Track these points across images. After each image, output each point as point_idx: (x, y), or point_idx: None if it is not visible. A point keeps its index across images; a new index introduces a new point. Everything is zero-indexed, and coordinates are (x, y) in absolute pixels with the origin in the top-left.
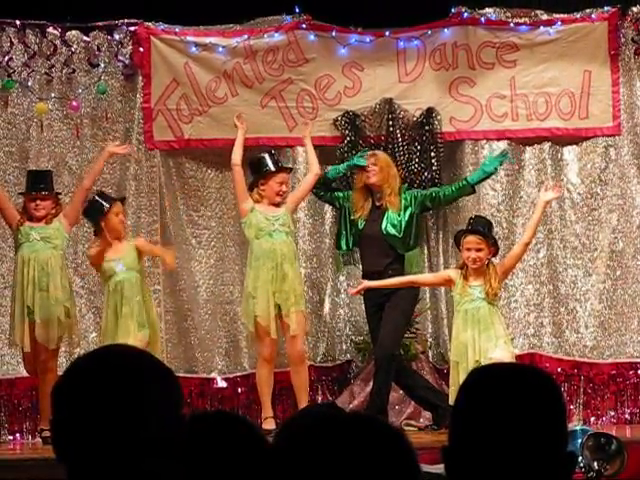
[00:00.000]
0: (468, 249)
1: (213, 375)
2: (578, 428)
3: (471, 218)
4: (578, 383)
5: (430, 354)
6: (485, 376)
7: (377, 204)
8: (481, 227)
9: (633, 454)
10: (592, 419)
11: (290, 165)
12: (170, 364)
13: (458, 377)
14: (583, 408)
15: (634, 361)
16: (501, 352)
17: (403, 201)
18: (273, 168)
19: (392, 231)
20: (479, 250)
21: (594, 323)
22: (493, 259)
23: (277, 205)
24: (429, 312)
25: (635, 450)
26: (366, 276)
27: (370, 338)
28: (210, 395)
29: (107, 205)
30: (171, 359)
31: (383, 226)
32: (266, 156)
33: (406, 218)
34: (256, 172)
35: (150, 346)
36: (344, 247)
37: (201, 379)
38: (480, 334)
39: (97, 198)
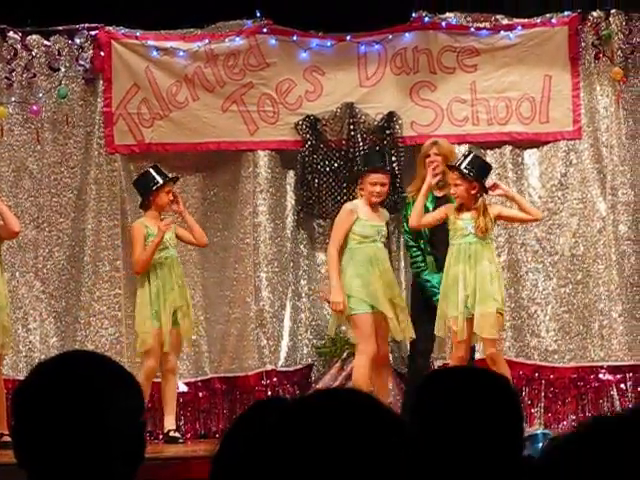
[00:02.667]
0: (450, 185)
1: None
2: (539, 432)
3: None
4: (539, 387)
5: (391, 358)
6: (441, 379)
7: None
8: (460, 164)
9: None
10: (553, 423)
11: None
12: (131, 369)
13: (446, 309)
14: (544, 412)
15: (595, 365)
16: (483, 310)
17: None
18: (161, 181)
19: None
20: (456, 185)
21: (555, 327)
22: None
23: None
24: None
25: None
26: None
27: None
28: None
29: (161, 181)
30: (132, 364)
31: None
32: (151, 170)
33: None
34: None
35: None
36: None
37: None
38: (471, 269)
39: (152, 172)
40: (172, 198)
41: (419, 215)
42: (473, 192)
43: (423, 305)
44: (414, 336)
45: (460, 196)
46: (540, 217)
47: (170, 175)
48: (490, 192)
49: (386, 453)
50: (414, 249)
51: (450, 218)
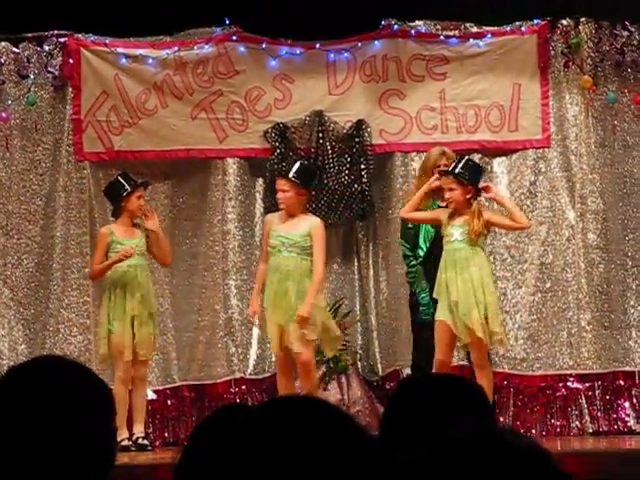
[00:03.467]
0: (444, 189)
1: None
2: None
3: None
4: (508, 395)
5: (360, 366)
6: (413, 387)
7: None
8: (455, 168)
9: (562, 466)
10: (522, 431)
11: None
12: (100, 376)
13: (439, 311)
14: (513, 420)
15: (563, 373)
16: (471, 317)
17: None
18: (129, 187)
19: None
20: (451, 190)
21: (524, 335)
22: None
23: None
24: (359, 324)
25: (564, 462)
26: None
27: None
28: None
29: (129, 188)
30: (100, 371)
31: None
32: (120, 178)
33: None
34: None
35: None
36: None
37: (130, 391)
38: (457, 276)
39: (120, 179)
40: (146, 213)
41: (412, 207)
42: (468, 196)
43: (420, 324)
44: (298, 350)
45: (456, 200)
46: (528, 225)
47: (139, 180)
48: (483, 194)
49: (349, 461)
50: (410, 258)
51: (443, 223)
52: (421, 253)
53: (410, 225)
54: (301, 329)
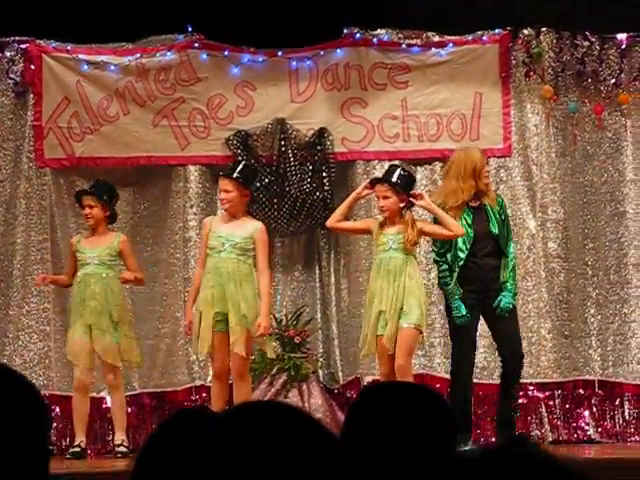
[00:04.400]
0: (378, 198)
1: (102, 394)
2: (468, 448)
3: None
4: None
5: (321, 374)
6: (375, 395)
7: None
8: (390, 176)
9: None
10: (482, 439)
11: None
12: (59, 383)
13: (371, 326)
14: (474, 428)
15: (523, 382)
16: (403, 325)
17: None
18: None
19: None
20: (385, 198)
21: (484, 344)
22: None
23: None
24: (320, 332)
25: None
26: None
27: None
28: (99, 415)
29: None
30: (60, 378)
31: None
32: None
33: None
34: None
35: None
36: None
37: (90, 398)
38: (390, 284)
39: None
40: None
41: (338, 216)
42: (402, 205)
43: (453, 329)
44: (242, 353)
45: (389, 209)
46: (461, 233)
47: (86, 188)
48: (413, 201)
49: (315, 466)
50: (440, 263)
51: (374, 232)
52: (462, 255)
53: None
54: (260, 339)
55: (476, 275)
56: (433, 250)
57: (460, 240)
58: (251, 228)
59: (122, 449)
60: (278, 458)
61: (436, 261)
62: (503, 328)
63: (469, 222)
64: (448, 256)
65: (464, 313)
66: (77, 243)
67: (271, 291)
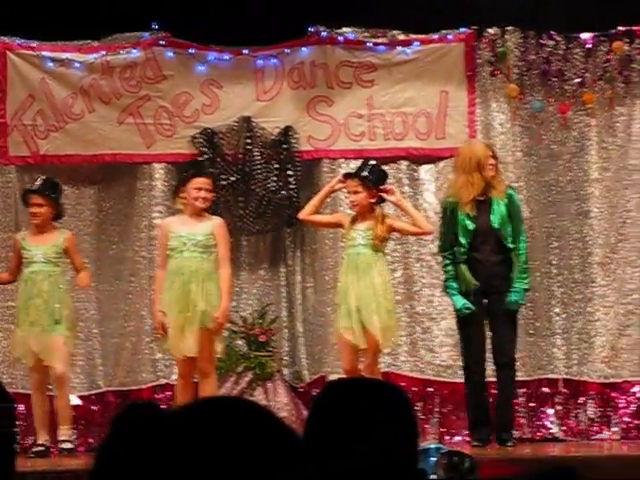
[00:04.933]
0: (349, 193)
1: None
2: (432, 446)
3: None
4: (433, 402)
5: (286, 372)
6: (338, 391)
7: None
8: (361, 171)
9: (485, 472)
10: (447, 438)
11: None
12: (24, 382)
13: (340, 320)
14: (438, 427)
15: (488, 380)
16: (373, 322)
17: None
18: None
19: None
20: (355, 193)
21: (449, 342)
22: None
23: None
24: (285, 330)
25: (487, 469)
26: None
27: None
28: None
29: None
30: (24, 376)
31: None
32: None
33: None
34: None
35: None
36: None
37: (50, 397)
38: (358, 280)
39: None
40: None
41: (311, 208)
42: (372, 200)
43: (458, 322)
44: (205, 352)
45: (359, 204)
46: (430, 230)
47: (30, 187)
48: (385, 195)
49: (275, 464)
50: (443, 258)
51: (345, 227)
52: (462, 250)
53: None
54: (216, 334)
55: (477, 271)
56: (438, 245)
57: (461, 234)
58: (210, 224)
59: (67, 445)
60: (237, 454)
61: (442, 256)
62: (500, 330)
63: (472, 216)
64: (455, 250)
65: (460, 306)
66: (22, 240)
67: (232, 285)
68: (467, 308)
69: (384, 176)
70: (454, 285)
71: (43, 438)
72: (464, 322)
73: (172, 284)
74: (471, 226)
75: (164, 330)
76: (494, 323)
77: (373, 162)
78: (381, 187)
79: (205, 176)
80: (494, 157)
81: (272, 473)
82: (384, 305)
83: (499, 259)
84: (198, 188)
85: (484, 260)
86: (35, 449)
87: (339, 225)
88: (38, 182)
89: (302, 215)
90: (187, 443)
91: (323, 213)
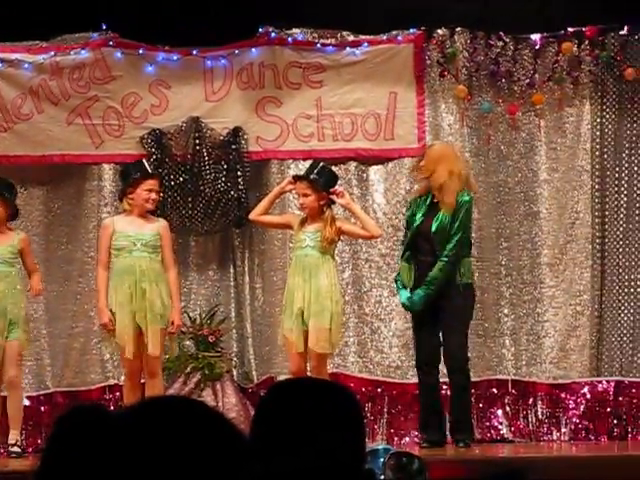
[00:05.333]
0: (298, 195)
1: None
2: (380, 447)
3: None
4: (382, 403)
5: (235, 373)
6: (284, 391)
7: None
8: (310, 174)
9: (434, 474)
10: (395, 439)
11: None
12: None
13: (285, 322)
14: (387, 428)
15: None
16: (316, 324)
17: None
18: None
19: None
20: (305, 195)
21: (398, 343)
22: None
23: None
24: (234, 331)
25: (436, 470)
26: None
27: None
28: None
29: None
30: None
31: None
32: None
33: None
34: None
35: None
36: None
37: (2, 397)
38: (305, 282)
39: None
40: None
41: (261, 209)
42: (322, 202)
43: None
44: (157, 353)
45: (309, 207)
46: (378, 234)
47: None
48: (334, 198)
49: (222, 464)
50: (402, 258)
51: (295, 228)
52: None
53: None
54: (173, 335)
55: (417, 272)
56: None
57: (409, 233)
58: (156, 225)
59: (16, 449)
60: (184, 454)
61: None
62: (445, 332)
63: (419, 215)
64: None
65: (403, 300)
66: None
67: (180, 287)
68: (409, 300)
69: (334, 178)
70: (399, 279)
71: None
72: (414, 321)
73: (121, 284)
74: (415, 227)
75: (112, 328)
76: (441, 324)
77: (322, 164)
78: (331, 190)
79: (154, 178)
80: (426, 156)
81: (219, 473)
82: (328, 308)
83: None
84: (149, 190)
85: (423, 262)
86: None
87: (288, 226)
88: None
89: (252, 216)
90: (133, 443)
91: (273, 214)
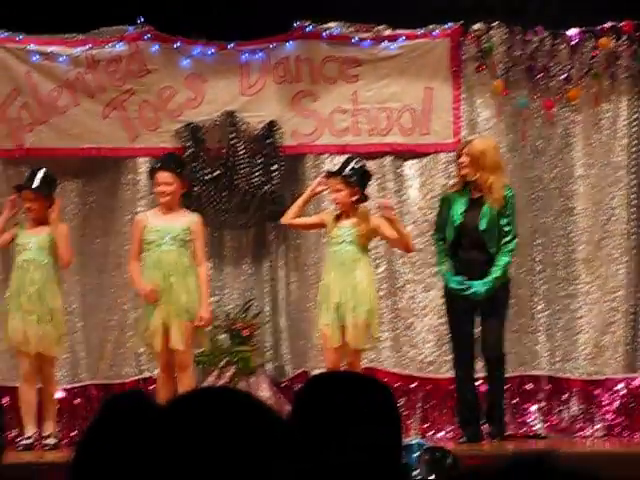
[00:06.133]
0: (331, 191)
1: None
2: (414, 442)
3: None
4: (416, 398)
5: (269, 367)
6: (321, 385)
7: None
8: (342, 170)
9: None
10: (430, 433)
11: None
12: (9, 373)
13: (321, 317)
14: (421, 422)
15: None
16: (354, 320)
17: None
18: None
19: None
20: (337, 191)
21: (432, 338)
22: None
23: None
24: (268, 325)
25: (464, 465)
26: None
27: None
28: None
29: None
30: (10, 368)
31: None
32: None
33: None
34: None
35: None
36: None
37: (37, 389)
38: (342, 278)
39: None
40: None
41: (294, 212)
42: (354, 199)
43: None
44: (182, 347)
45: (341, 202)
46: (413, 251)
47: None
48: (383, 212)
49: (267, 453)
50: (438, 248)
51: (328, 226)
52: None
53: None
54: (202, 329)
55: (460, 268)
56: (434, 232)
57: (448, 229)
58: (188, 220)
59: (50, 441)
60: (232, 445)
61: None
62: (484, 324)
63: (460, 212)
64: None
65: (454, 285)
66: (19, 229)
67: (209, 281)
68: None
69: (366, 174)
70: (444, 260)
71: (32, 431)
72: (450, 299)
73: (151, 277)
74: (457, 220)
75: (156, 296)
76: (483, 316)
77: (355, 160)
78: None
79: (163, 170)
80: (467, 155)
81: (268, 463)
82: (365, 303)
83: (485, 258)
84: (157, 183)
85: (469, 258)
86: (22, 442)
87: (322, 225)
88: (39, 179)
89: (285, 220)
90: (180, 433)
91: (307, 213)
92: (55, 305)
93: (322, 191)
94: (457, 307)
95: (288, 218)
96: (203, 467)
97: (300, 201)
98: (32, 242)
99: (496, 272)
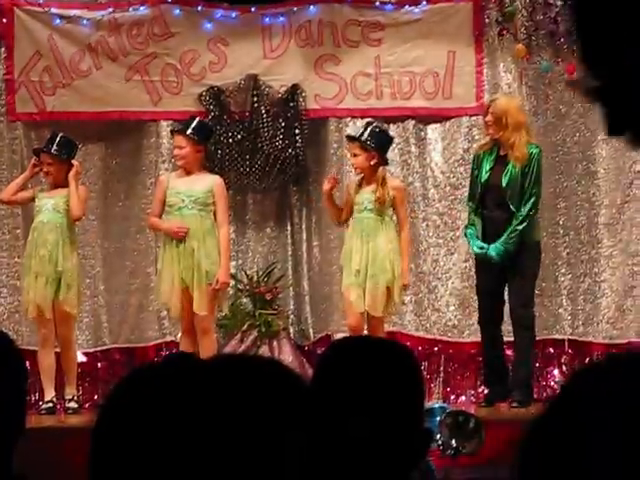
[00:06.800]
0: (351, 156)
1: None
2: (437, 406)
3: None
4: (438, 361)
5: (291, 331)
6: (343, 349)
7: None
8: (360, 134)
9: (490, 433)
10: (452, 397)
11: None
12: (30, 338)
13: (344, 280)
14: (443, 386)
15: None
16: (373, 287)
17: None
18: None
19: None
20: (355, 156)
21: (455, 302)
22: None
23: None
24: (291, 289)
25: (492, 429)
26: None
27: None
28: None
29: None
30: (31, 332)
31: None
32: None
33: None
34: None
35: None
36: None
37: (58, 353)
38: (363, 244)
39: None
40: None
41: (334, 216)
42: (372, 163)
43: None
44: (203, 311)
45: (359, 166)
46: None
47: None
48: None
49: (293, 420)
50: (468, 209)
51: (351, 193)
52: (473, 205)
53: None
54: (221, 292)
55: (484, 227)
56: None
57: (476, 188)
58: (209, 182)
59: (72, 404)
60: (262, 414)
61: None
62: (509, 287)
63: (486, 170)
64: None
65: (476, 250)
66: (40, 191)
67: (230, 244)
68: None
69: (387, 139)
70: (471, 229)
71: (51, 395)
72: (480, 278)
73: (170, 242)
74: (484, 179)
75: (185, 231)
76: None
77: (374, 124)
78: (386, 157)
79: (177, 133)
80: (492, 113)
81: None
82: (385, 271)
83: (507, 217)
84: (173, 147)
85: (492, 216)
86: (44, 406)
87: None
88: (58, 142)
89: (334, 222)
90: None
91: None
92: (67, 267)
93: (333, 188)
94: (483, 268)
95: (335, 221)
96: (212, 438)
97: (329, 208)
98: (48, 204)
99: (504, 237)
